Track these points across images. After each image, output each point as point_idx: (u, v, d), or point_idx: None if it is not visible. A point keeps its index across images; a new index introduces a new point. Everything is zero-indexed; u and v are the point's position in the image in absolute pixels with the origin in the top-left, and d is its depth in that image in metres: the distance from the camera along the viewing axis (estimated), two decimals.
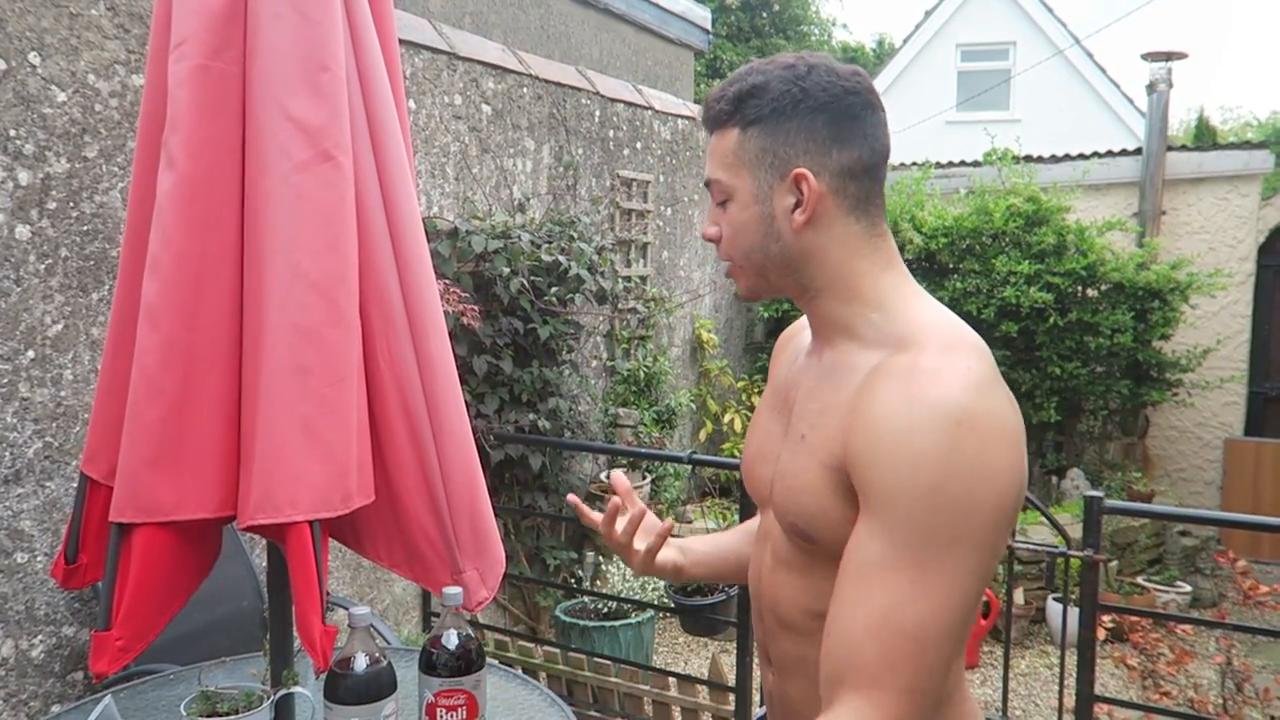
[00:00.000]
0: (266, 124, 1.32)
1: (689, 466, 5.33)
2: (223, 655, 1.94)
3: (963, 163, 7.34)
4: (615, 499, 1.25)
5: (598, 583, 4.45)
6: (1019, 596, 4.76)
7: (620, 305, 5.05)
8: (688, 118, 5.73)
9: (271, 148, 1.32)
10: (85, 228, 2.47)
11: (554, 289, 3.95)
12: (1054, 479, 6.06)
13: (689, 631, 4.82)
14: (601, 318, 4.87)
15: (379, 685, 1.37)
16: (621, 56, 5.72)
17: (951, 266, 6.03)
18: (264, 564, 1.65)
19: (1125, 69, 21.82)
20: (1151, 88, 6.80)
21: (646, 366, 5.05)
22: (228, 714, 1.39)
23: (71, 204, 2.43)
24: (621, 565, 4.24)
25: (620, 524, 1.25)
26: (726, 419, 5.81)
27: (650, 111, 5.39)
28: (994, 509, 0.89)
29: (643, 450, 4.52)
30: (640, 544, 1.26)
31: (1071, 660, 2.72)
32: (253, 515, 1.30)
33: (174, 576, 1.39)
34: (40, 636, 2.39)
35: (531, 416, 3.92)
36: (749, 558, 1.24)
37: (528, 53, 4.62)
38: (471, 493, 1.54)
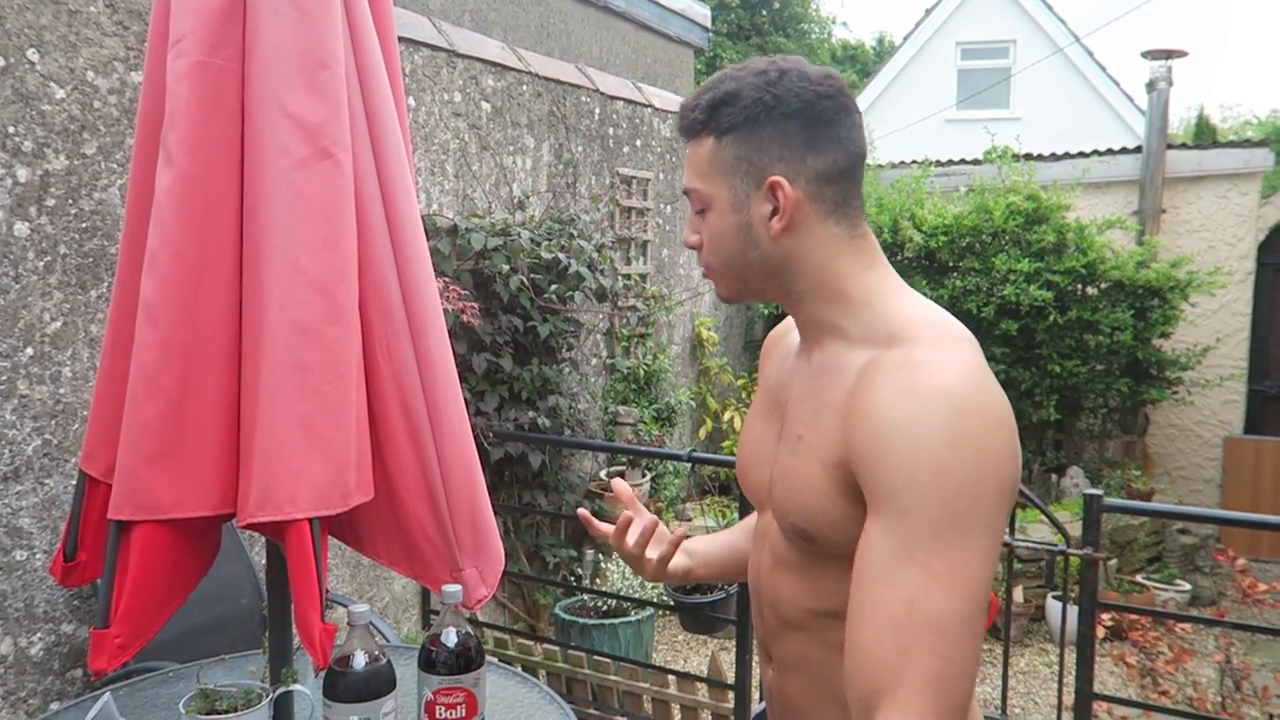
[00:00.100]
0: (265, 121, 1.32)
1: (688, 464, 5.33)
2: (222, 653, 1.95)
3: (962, 161, 7.34)
4: (627, 513, 1.25)
5: (597, 581, 4.45)
6: (1018, 594, 4.76)
7: (620, 303, 5.05)
8: None
9: (270, 145, 1.32)
10: (84, 225, 2.46)
11: (554, 286, 3.95)
12: (1053, 477, 6.05)
13: (688, 629, 4.82)
14: (601, 315, 4.87)
15: (378, 683, 1.37)
16: (621, 54, 5.71)
17: (951, 265, 6.03)
18: (263, 562, 1.64)
19: (1125, 67, 21.80)
20: (1151, 86, 6.80)
21: (646, 364, 5.05)
22: (226, 712, 1.39)
23: (70, 201, 2.43)
24: (621, 563, 4.23)
25: (632, 537, 1.25)
26: (726, 417, 5.81)
27: (650, 109, 5.38)
28: (997, 492, 0.90)
29: (642, 448, 4.52)
30: (653, 553, 1.25)
31: (1071, 658, 2.72)
32: (252, 513, 1.30)
33: (173, 574, 1.39)
34: (39, 634, 2.39)
35: (531, 414, 3.92)
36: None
37: (527, 50, 4.61)
38: (471, 490, 1.54)
